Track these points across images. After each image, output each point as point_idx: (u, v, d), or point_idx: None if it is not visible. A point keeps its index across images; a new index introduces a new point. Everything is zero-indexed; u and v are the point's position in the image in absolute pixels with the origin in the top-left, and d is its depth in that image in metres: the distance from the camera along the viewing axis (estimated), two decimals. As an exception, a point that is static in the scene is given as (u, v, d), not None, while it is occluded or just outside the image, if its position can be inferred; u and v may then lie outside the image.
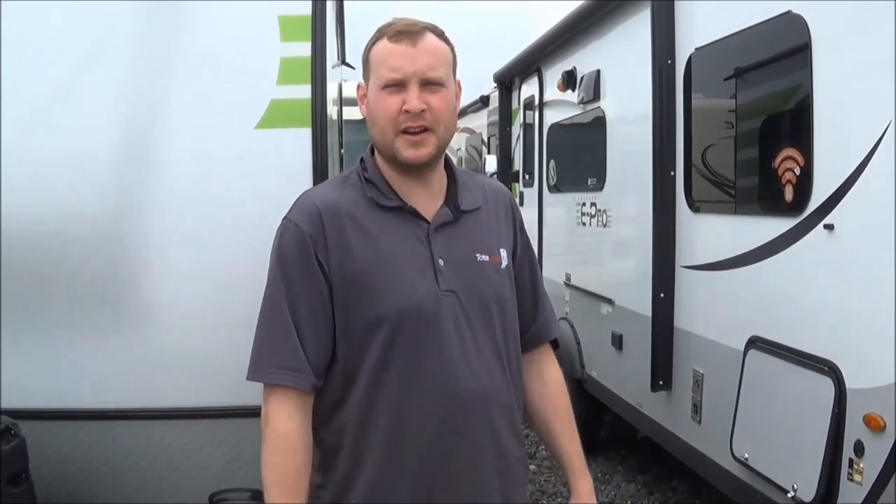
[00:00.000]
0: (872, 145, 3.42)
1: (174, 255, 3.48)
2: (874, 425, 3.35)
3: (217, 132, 3.45)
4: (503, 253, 2.27)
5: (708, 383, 4.82)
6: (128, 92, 3.50)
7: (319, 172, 3.37)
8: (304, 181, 3.32)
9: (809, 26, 3.84)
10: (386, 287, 2.08)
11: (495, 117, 10.19)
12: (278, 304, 2.09)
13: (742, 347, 4.35)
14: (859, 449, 3.44)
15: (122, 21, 3.51)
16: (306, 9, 3.44)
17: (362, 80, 2.22)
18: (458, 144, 17.44)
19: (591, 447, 7.24)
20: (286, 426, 2.05)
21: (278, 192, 3.36)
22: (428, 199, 2.20)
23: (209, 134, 3.45)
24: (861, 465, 3.42)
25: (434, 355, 2.09)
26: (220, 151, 3.46)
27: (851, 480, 3.47)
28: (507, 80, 9.31)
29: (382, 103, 2.10)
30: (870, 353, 3.48)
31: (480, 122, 14.97)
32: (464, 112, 16.63)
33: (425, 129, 2.09)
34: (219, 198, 3.46)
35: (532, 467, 7.05)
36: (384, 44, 2.13)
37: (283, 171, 3.42)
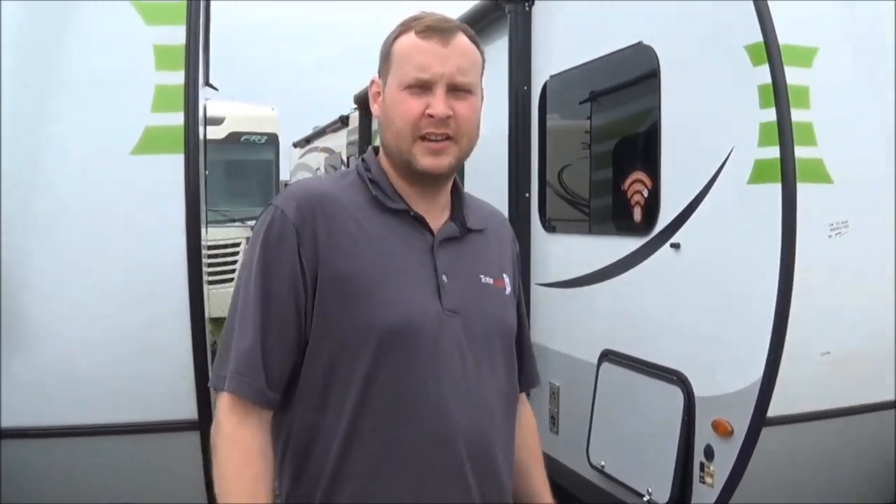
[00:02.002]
0: (716, 170, 3.60)
1: (58, 278, 3.38)
2: (722, 431, 3.50)
3: (95, 158, 3.39)
4: (506, 279, 1.98)
5: (564, 395, 4.92)
6: (6, 119, 3.38)
7: (192, 196, 3.36)
8: (178, 204, 3.33)
9: (658, 57, 4.01)
10: (381, 296, 1.77)
11: (355, 137, 10.14)
12: (249, 302, 1.78)
13: (595, 360, 4.47)
14: (709, 453, 3.59)
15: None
16: (180, 38, 3.41)
17: (377, 77, 1.92)
18: (316, 164, 17.33)
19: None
20: (237, 432, 1.73)
21: (153, 216, 3.36)
22: (433, 212, 1.90)
23: (87, 160, 3.39)
24: (712, 469, 3.57)
25: (430, 384, 1.78)
26: (97, 176, 3.41)
27: (703, 483, 3.62)
28: (368, 102, 9.30)
29: (403, 105, 1.81)
30: (716, 362, 3.65)
31: (339, 142, 14.90)
32: (323, 132, 16.53)
33: (447, 138, 1.81)
34: (98, 221, 3.39)
35: None
36: (411, 39, 1.83)
37: (158, 194, 3.39)
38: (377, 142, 1.99)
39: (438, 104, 1.79)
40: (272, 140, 14.31)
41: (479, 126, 1.90)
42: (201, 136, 4.25)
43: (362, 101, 9.43)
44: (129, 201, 3.39)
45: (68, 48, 3.41)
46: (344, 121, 14.11)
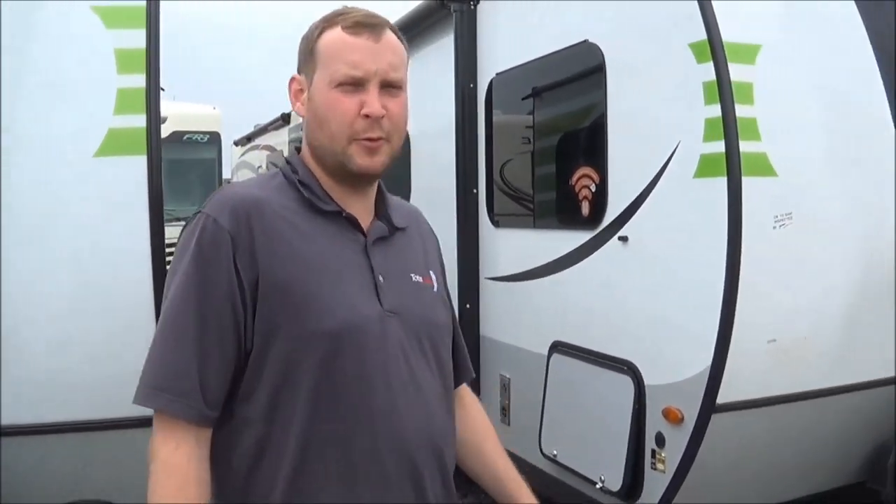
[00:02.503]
0: (662, 164, 3.66)
1: (22, 278, 3.35)
2: (672, 418, 3.56)
3: (59, 160, 3.40)
4: (433, 276, 1.95)
5: (515, 387, 4.97)
6: None
7: (156, 196, 3.39)
8: (141, 205, 3.36)
9: (604, 55, 4.06)
10: (326, 298, 1.70)
11: (297, 134, 10.07)
12: (183, 315, 1.65)
13: (546, 352, 4.52)
14: (660, 440, 3.66)
15: None
16: (140, 42, 3.44)
17: (299, 74, 1.84)
18: (258, 162, 17.21)
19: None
20: (174, 457, 1.62)
21: (117, 216, 3.37)
22: (362, 212, 1.84)
23: (51, 161, 3.40)
24: (663, 455, 3.64)
25: (380, 388, 1.72)
26: (61, 178, 3.42)
27: (655, 469, 3.69)
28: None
29: (338, 105, 1.74)
30: (665, 351, 3.72)
31: (281, 139, 14.82)
32: (264, 130, 16.42)
33: (381, 138, 1.76)
34: (62, 221, 3.39)
35: None
36: (339, 34, 1.75)
37: (122, 195, 3.41)
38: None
39: (374, 103, 1.72)
40: (214, 139, 14.26)
41: (407, 123, 1.84)
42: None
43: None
44: (94, 202, 3.40)
45: (31, 52, 3.40)
46: (285, 118, 14.05)
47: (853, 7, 3.80)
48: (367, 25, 1.75)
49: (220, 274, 1.65)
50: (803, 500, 4.00)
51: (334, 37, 1.76)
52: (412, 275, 1.87)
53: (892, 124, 3.81)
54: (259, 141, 16.98)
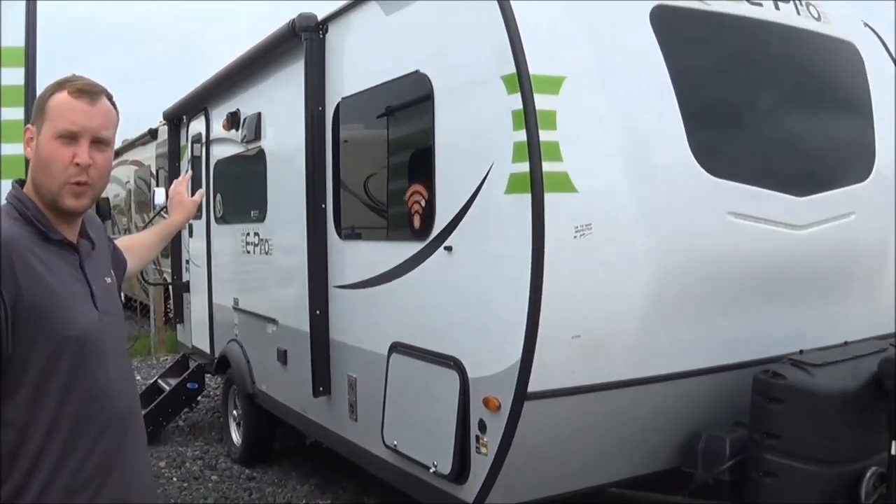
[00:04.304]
0: (479, 182, 3.97)
1: None
2: (492, 406, 3.87)
3: None
4: (112, 272, 2.47)
5: (360, 385, 5.20)
6: None
7: None
8: None
9: (433, 83, 4.36)
10: (67, 312, 2.10)
11: (164, 149, 10.04)
12: None
13: (386, 352, 4.77)
14: (483, 426, 3.95)
15: None
16: (19, 80, 3.89)
17: (32, 125, 2.23)
18: (126, 177, 16.90)
19: (265, 458, 7.48)
20: None
21: None
22: (71, 234, 2.27)
23: None
24: (486, 440, 3.93)
25: (105, 373, 2.19)
26: None
27: (479, 453, 3.98)
28: (177, 118, 9.30)
29: (57, 153, 2.15)
30: (483, 347, 4.01)
31: (149, 154, 14.60)
32: (132, 145, 16.13)
33: (86, 184, 2.19)
34: None
35: (214, 477, 7.20)
36: (64, 97, 2.17)
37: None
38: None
39: (83, 153, 2.16)
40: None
41: (110, 172, 2.35)
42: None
43: (171, 117, 9.41)
44: None
45: None
46: (153, 134, 13.86)
47: (655, 42, 4.15)
48: (87, 92, 2.20)
49: None
50: (622, 483, 4.31)
51: (60, 98, 2.19)
52: (106, 277, 2.38)
53: (687, 145, 4.14)
54: (127, 156, 16.68)
